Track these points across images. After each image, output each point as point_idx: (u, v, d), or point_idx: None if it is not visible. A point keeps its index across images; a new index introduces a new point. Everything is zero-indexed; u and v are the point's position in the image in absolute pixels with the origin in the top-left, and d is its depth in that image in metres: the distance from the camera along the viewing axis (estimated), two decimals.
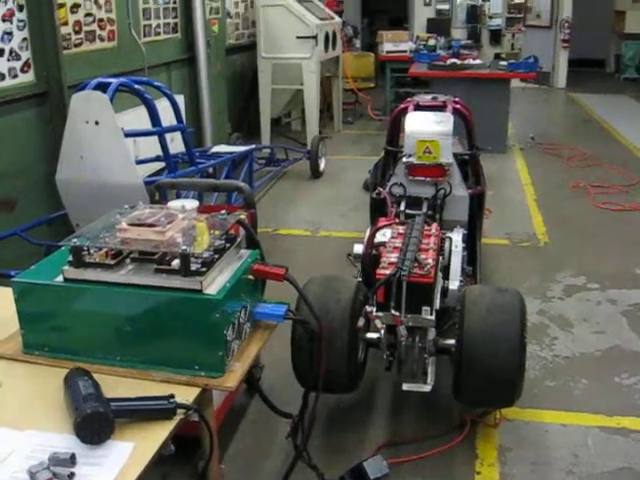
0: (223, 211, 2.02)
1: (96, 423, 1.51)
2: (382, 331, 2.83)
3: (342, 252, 4.57)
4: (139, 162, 4.25)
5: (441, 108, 3.90)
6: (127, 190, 3.82)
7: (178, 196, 4.35)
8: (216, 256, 1.81)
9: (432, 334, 2.87)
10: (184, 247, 1.72)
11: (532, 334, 3.79)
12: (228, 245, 1.90)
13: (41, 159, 4.63)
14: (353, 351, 2.89)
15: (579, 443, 2.95)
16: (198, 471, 2.24)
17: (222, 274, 1.83)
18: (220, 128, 7.53)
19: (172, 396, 1.63)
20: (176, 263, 1.74)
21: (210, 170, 5.69)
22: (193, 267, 1.74)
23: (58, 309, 1.83)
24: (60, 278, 1.82)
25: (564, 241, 5.29)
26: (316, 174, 7.13)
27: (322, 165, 7.25)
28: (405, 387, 2.88)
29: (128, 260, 1.83)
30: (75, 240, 1.80)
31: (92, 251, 1.82)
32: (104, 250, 1.81)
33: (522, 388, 2.78)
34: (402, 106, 4.03)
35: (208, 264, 1.76)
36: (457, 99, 4.08)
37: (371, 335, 2.98)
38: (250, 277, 1.93)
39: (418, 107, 3.95)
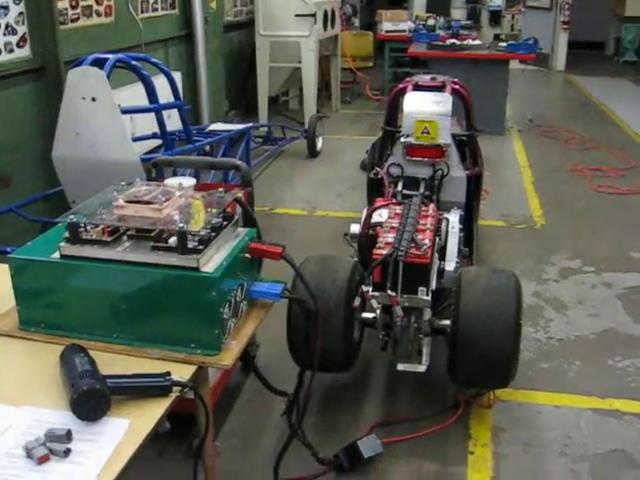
0: (220, 189, 2.01)
1: (92, 400, 1.51)
2: (378, 311, 2.84)
3: (338, 232, 4.56)
4: (136, 139, 4.23)
5: (440, 88, 3.88)
6: (124, 167, 3.80)
7: (175, 174, 4.33)
8: (213, 234, 1.80)
9: (428, 314, 2.89)
10: (181, 225, 1.71)
11: (527, 316, 3.81)
12: (225, 223, 1.89)
13: (37, 135, 4.60)
14: (349, 330, 2.89)
15: (572, 425, 2.98)
16: (193, 448, 2.25)
17: (219, 252, 1.82)
18: (217, 106, 7.49)
19: (168, 373, 1.63)
20: (173, 241, 1.73)
21: (207, 148, 5.67)
22: (190, 245, 1.72)
23: (54, 286, 1.82)
24: (56, 255, 1.81)
25: (560, 224, 5.30)
26: (313, 153, 7.11)
27: (319, 144, 7.22)
28: (400, 367, 2.90)
29: (125, 237, 1.81)
30: (72, 217, 1.79)
31: (89, 228, 1.81)
32: (101, 227, 1.80)
33: (516, 369, 2.80)
34: (401, 86, 4.01)
35: (205, 242, 1.75)
36: (456, 80, 4.06)
37: (367, 315, 2.99)
38: (247, 255, 1.92)
39: (417, 87, 3.92)
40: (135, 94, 4.71)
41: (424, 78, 4.07)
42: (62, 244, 1.80)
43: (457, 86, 3.95)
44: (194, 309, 1.73)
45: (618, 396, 3.17)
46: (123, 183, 2.01)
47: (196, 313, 1.73)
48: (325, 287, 2.87)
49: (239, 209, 2.14)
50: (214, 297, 1.71)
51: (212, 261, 1.77)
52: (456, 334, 2.76)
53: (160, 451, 2.77)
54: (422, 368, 2.89)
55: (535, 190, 6.10)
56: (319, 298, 2.82)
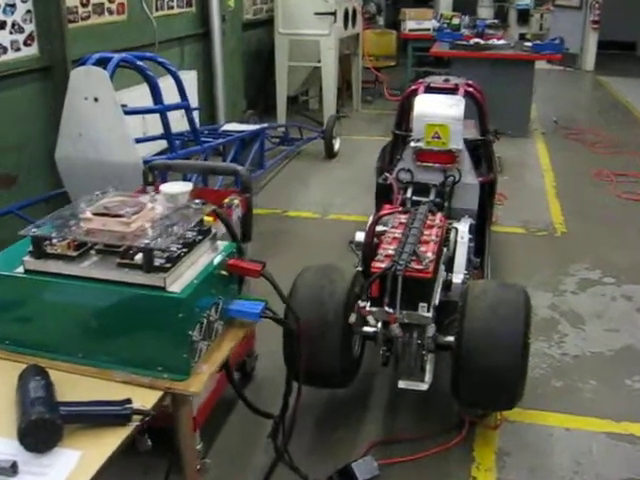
0: (197, 200, 1.89)
1: (41, 430, 1.40)
2: (379, 325, 2.70)
3: (349, 236, 4.42)
4: (139, 140, 4.13)
5: (452, 91, 3.72)
6: (126, 169, 3.72)
7: (185, 177, 4.23)
8: (185, 250, 1.68)
9: (431, 330, 2.73)
10: (146, 241, 1.59)
11: (541, 330, 3.65)
12: (200, 238, 1.77)
13: (44, 135, 4.53)
14: (346, 345, 2.76)
15: (583, 449, 2.81)
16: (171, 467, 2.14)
17: (191, 269, 1.70)
18: (235, 105, 7.39)
19: (128, 401, 1.52)
20: (139, 257, 1.62)
21: (221, 149, 5.57)
22: (157, 262, 1.61)
23: (18, 301, 1.72)
24: (21, 269, 1.71)
25: (582, 232, 5.10)
26: (330, 154, 6.97)
27: (337, 145, 7.08)
28: (401, 385, 2.75)
29: (93, 252, 1.71)
30: (35, 230, 1.69)
31: (55, 241, 1.70)
32: (66, 241, 1.69)
33: (523, 391, 2.63)
34: (412, 87, 3.86)
35: (174, 259, 1.63)
36: (470, 82, 3.90)
37: (367, 328, 2.85)
38: (224, 272, 1.80)
39: (429, 89, 3.77)
40: (146, 94, 4.61)
41: (437, 80, 3.92)
42: (26, 258, 1.70)
43: (471, 88, 3.79)
44: (161, 331, 1.62)
45: (634, 420, 2.98)
46: (97, 193, 1.90)
47: (163, 335, 1.62)
48: (323, 299, 2.75)
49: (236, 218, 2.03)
50: (182, 318, 1.59)
51: (182, 279, 1.65)
52: (459, 352, 2.61)
53: (145, 467, 2.66)
54: (424, 386, 2.74)
55: (557, 195, 5.89)
56: (316, 312, 2.73)
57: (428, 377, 2.76)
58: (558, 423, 2.98)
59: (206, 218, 1.88)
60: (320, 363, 2.70)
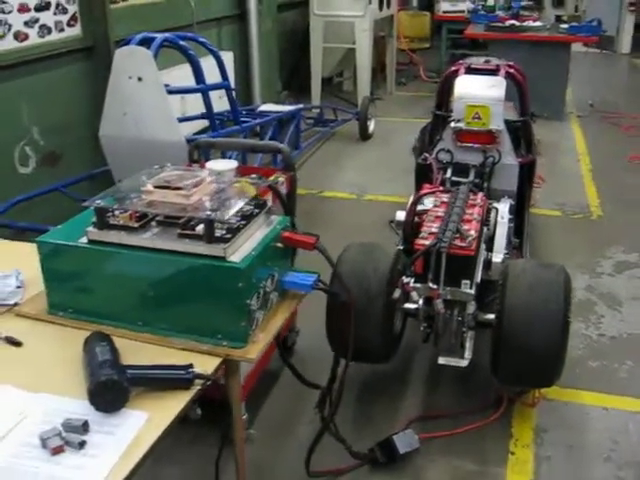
0: (254, 175, 1.94)
1: (110, 391, 1.47)
2: (420, 301, 2.75)
3: (386, 217, 4.49)
4: (184, 119, 4.19)
5: (494, 72, 3.72)
6: (169, 147, 3.78)
7: (224, 156, 4.30)
8: (243, 222, 1.74)
9: (472, 308, 2.77)
10: (208, 212, 1.65)
11: (578, 311, 3.67)
12: (257, 211, 1.82)
13: (88, 114, 4.61)
14: (388, 321, 2.81)
15: (620, 429, 2.84)
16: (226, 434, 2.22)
17: (249, 241, 1.76)
18: (270, 86, 7.42)
19: (191, 366, 1.58)
20: (200, 228, 1.68)
21: (257, 129, 5.63)
22: (218, 233, 1.67)
23: (81, 271, 1.79)
24: (84, 239, 1.78)
25: (618, 215, 5.08)
26: (365, 136, 6.99)
27: (371, 127, 7.10)
28: (441, 360, 2.80)
29: (154, 223, 1.77)
30: (99, 201, 1.75)
31: (117, 213, 1.77)
32: (128, 212, 1.76)
33: (562, 369, 2.66)
34: (453, 68, 3.86)
35: (233, 231, 1.69)
36: (511, 63, 3.89)
37: (409, 305, 2.90)
38: (279, 245, 1.86)
39: (470, 70, 3.77)
40: (187, 74, 4.67)
41: (477, 61, 3.92)
42: (89, 229, 1.76)
43: (512, 70, 3.78)
44: (220, 300, 1.68)
45: None
46: (156, 166, 1.96)
47: (222, 304, 1.68)
48: (366, 276, 2.80)
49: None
50: (241, 288, 1.65)
51: (240, 250, 1.70)
52: (499, 330, 2.65)
53: (194, 435, 2.75)
54: (464, 363, 2.79)
55: (593, 178, 5.87)
56: (359, 287, 2.78)
57: (468, 354, 2.81)
58: (595, 402, 3.01)
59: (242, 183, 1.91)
60: (362, 337, 2.75)
